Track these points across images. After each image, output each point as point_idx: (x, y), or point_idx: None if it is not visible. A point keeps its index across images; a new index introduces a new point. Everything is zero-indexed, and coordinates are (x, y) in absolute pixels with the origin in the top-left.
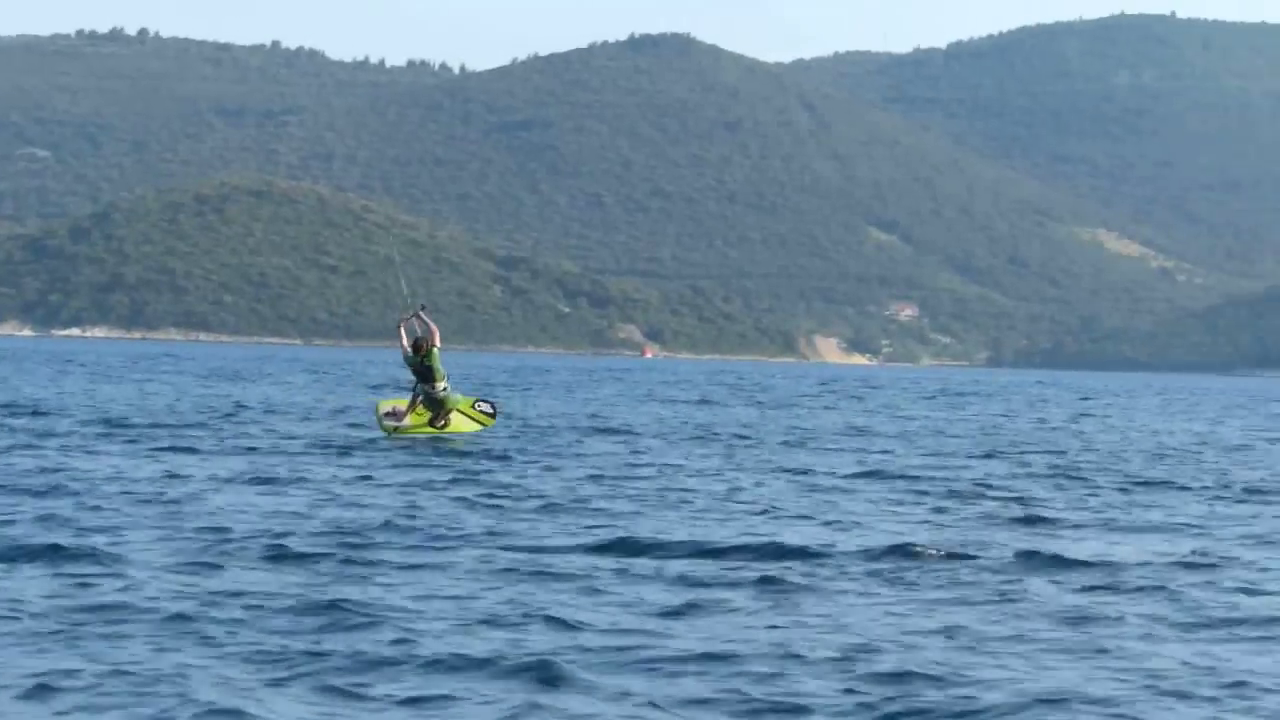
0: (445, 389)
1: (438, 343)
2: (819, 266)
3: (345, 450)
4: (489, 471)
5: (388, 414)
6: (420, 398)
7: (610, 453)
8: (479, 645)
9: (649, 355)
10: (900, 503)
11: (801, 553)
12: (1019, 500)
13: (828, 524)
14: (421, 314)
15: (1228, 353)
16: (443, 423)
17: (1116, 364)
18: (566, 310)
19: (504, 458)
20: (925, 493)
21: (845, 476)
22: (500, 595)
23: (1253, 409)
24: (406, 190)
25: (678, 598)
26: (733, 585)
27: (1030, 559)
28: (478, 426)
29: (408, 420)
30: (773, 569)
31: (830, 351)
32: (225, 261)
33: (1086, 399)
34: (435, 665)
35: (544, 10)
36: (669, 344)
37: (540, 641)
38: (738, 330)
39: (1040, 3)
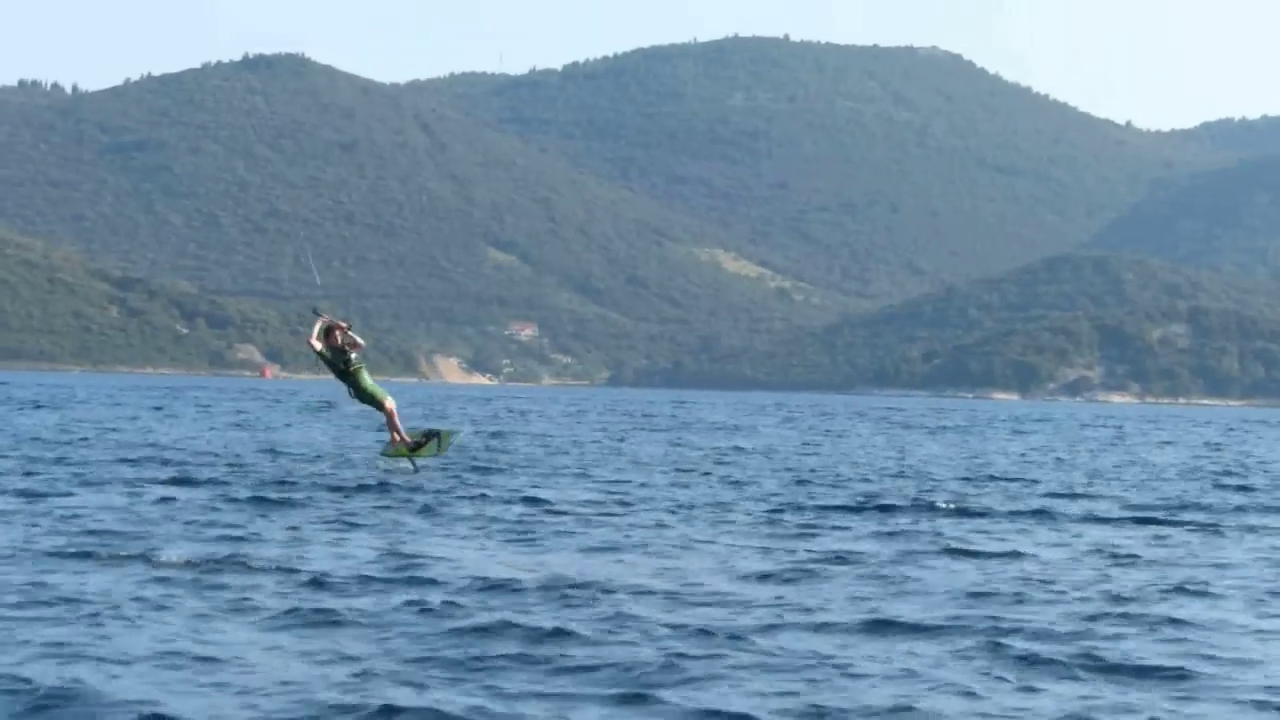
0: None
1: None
2: (438, 287)
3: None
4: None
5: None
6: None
7: None
8: None
9: (269, 375)
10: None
11: None
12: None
13: None
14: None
15: (846, 371)
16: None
17: (736, 383)
18: (185, 331)
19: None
20: None
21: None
22: None
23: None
24: (20, 211)
25: None
26: None
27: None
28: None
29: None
30: None
31: (451, 372)
32: None
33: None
34: None
35: (157, 30)
36: (289, 364)
37: None
38: None
39: (655, 25)
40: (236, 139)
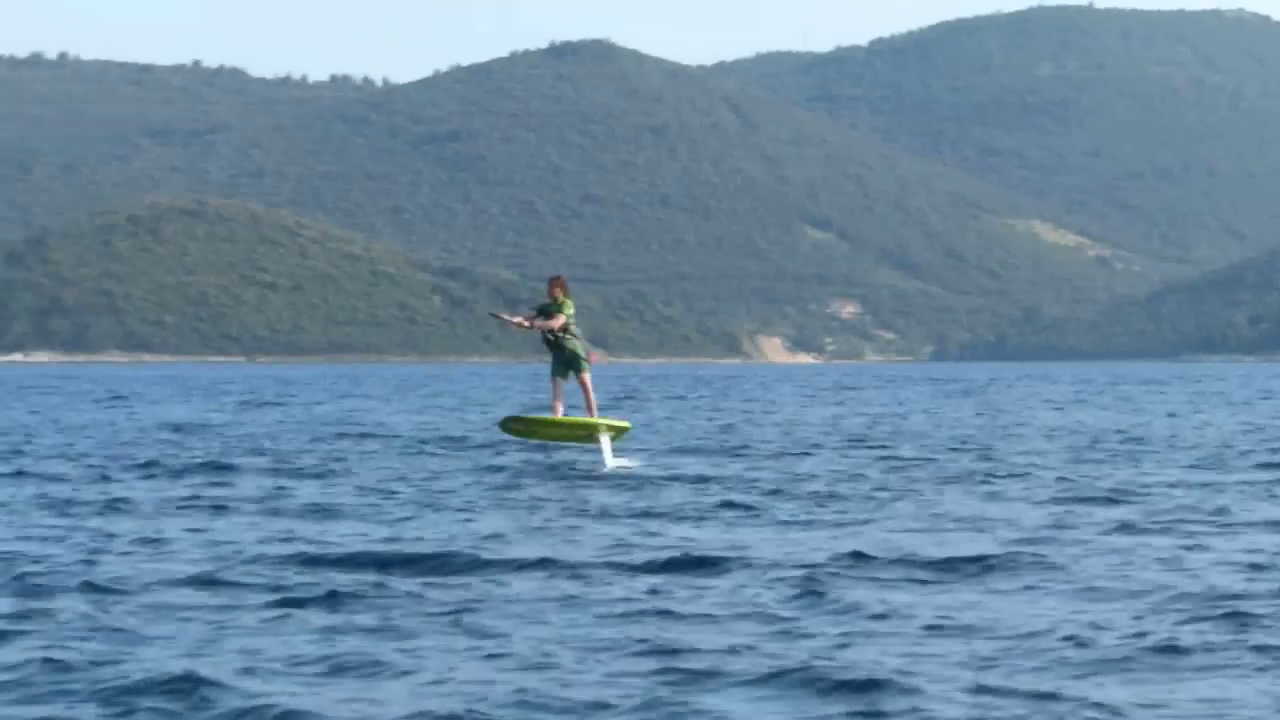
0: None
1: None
2: (757, 267)
3: None
4: None
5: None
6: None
7: None
8: None
9: (594, 360)
10: None
11: None
12: None
13: None
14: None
15: (1171, 339)
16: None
17: (1061, 354)
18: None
19: None
20: None
21: None
22: None
23: None
24: (338, 205)
25: None
26: None
27: None
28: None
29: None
30: None
31: (775, 351)
32: (162, 282)
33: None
34: None
35: (462, 21)
36: (613, 349)
37: None
38: (681, 333)
39: None
40: (547, 126)
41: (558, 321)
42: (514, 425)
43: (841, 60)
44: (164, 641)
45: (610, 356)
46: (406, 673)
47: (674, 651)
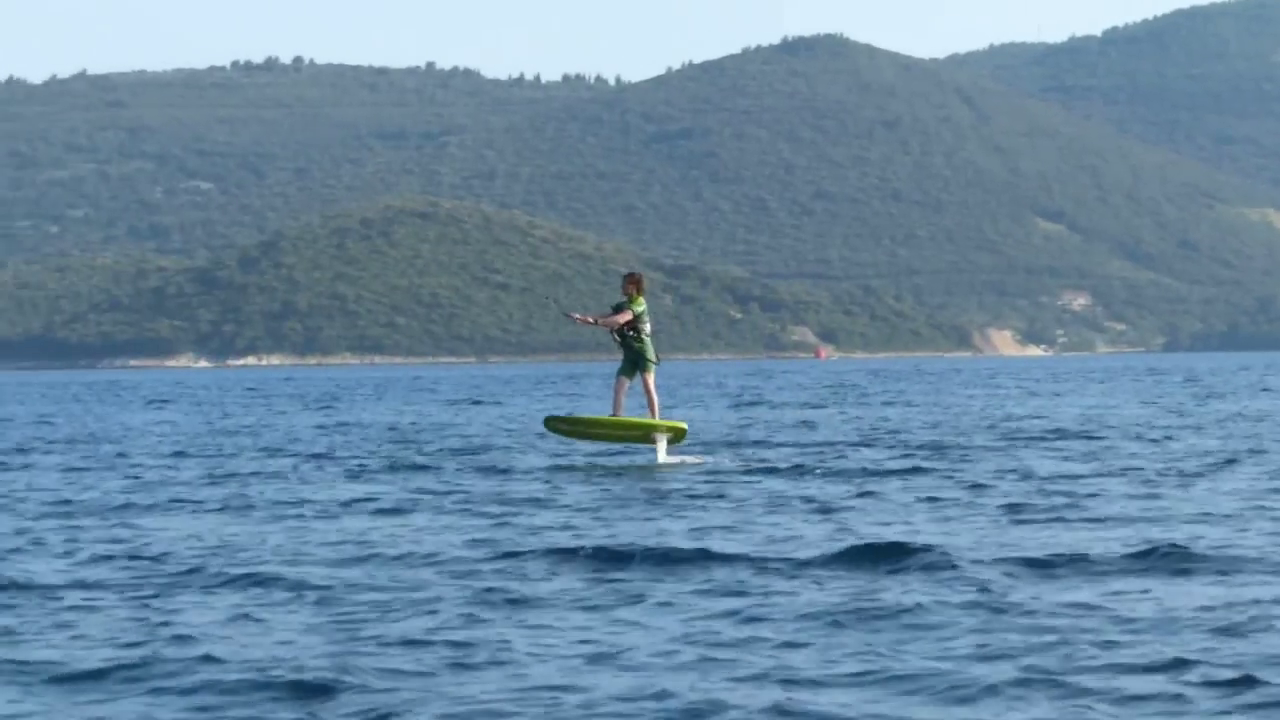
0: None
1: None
2: (988, 260)
3: None
4: None
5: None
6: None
7: None
8: None
9: (824, 356)
10: None
11: None
12: None
13: None
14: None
15: None
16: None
17: None
18: (738, 316)
19: None
20: None
21: None
22: None
23: None
24: (570, 204)
25: None
26: None
27: None
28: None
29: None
30: None
31: (1005, 344)
32: (395, 284)
33: None
34: None
35: (695, 18)
36: (843, 344)
37: None
38: (910, 327)
39: None
40: (780, 122)
41: (623, 317)
42: (560, 425)
43: (1075, 50)
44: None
45: (840, 351)
46: None
47: None
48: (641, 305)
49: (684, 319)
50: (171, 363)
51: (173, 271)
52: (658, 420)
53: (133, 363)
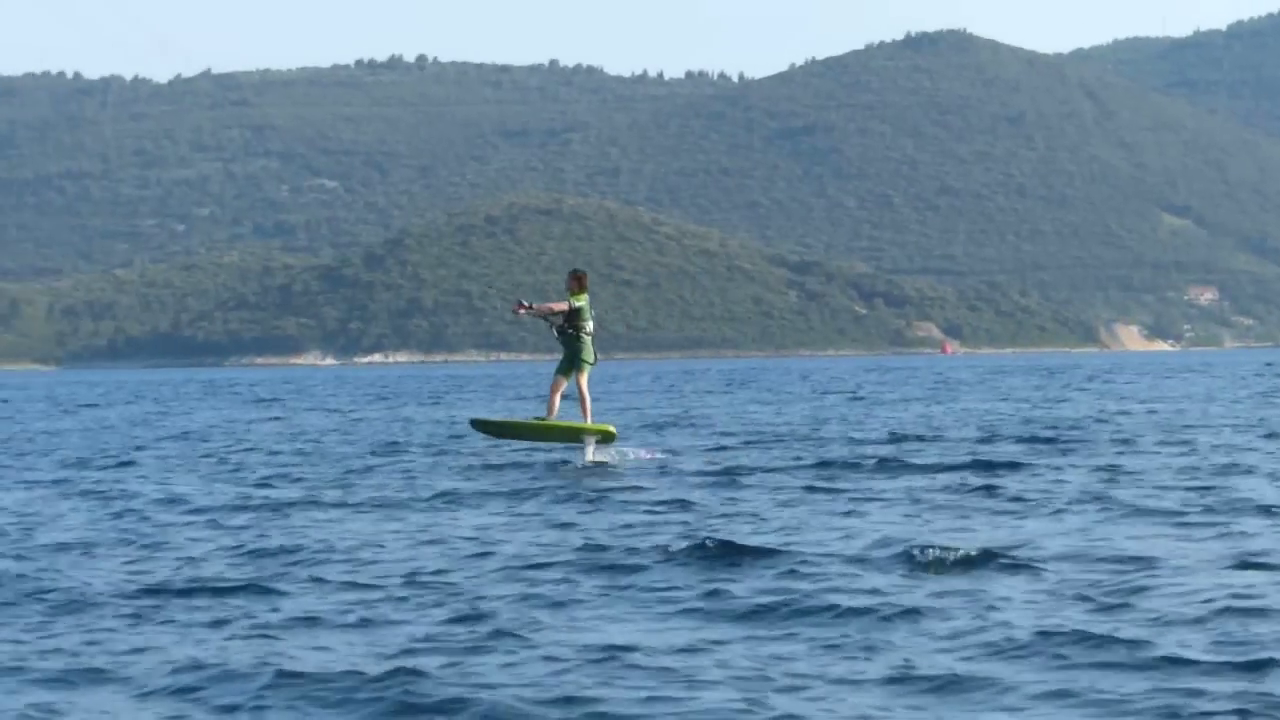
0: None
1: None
2: (1114, 255)
3: None
4: None
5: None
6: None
7: None
8: None
9: (949, 352)
10: None
11: None
12: None
13: None
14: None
15: None
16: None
17: None
18: (863, 312)
19: None
20: None
21: None
22: None
23: None
24: (694, 201)
25: None
26: None
27: None
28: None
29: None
30: None
31: (1132, 339)
32: (520, 281)
33: None
34: None
35: (818, 14)
36: (968, 340)
37: None
38: (1036, 323)
39: None
40: (903, 118)
41: (559, 306)
42: (487, 426)
43: (1200, 44)
44: None
45: (965, 347)
46: None
47: None
48: (582, 301)
49: (808, 315)
50: (298, 360)
51: (299, 269)
52: (586, 424)
53: (259, 360)
